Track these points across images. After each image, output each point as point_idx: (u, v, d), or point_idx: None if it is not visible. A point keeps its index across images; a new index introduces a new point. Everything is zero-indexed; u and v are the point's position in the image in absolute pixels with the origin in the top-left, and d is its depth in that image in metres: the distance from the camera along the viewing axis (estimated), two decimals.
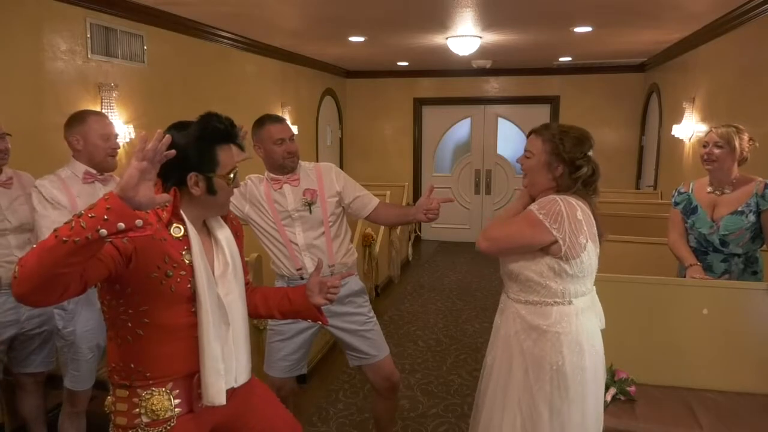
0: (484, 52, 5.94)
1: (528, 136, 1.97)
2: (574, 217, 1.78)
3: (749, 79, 4.07)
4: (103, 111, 3.67)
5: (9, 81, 3.12)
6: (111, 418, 1.56)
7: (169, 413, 1.53)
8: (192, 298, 1.53)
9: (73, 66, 3.54)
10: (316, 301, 1.79)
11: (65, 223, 1.25)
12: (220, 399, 1.56)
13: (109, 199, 1.25)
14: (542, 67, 7.51)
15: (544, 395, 1.84)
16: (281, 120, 2.55)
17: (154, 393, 1.52)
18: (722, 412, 2.31)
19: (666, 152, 6.15)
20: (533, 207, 1.83)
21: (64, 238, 1.21)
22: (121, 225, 1.24)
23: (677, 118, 5.50)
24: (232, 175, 1.56)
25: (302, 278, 2.47)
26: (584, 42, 5.55)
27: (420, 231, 8.48)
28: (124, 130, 3.87)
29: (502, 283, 2.02)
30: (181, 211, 1.55)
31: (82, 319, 2.37)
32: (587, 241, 1.81)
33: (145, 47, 4.12)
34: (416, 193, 8.35)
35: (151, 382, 1.52)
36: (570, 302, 1.85)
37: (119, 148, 2.48)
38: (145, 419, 1.51)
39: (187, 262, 1.51)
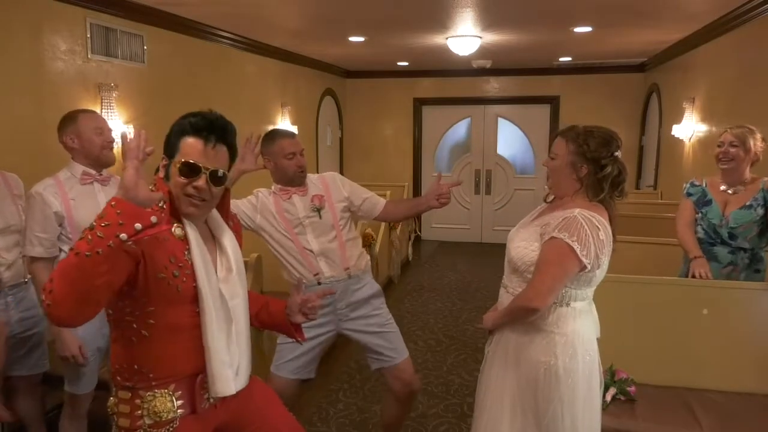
0: (484, 52, 5.94)
1: (554, 140, 1.96)
2: (597, 237, 1.77)
3: (749, 79, 4.07)
4: (103, 111, 3.67)
5: (9, 81, 3.12)
6: (114, 419, 1.56)
7: (172, 414, 1.53)
8: (196, 297, 1.53)
9: (73, 66, 3.53)
10: (296, 319, 1.79)
11: (80, 238, 1.27)
12: (229, 389, 1.56)
13: (116, 205, 1.27)
14: (542, 67, 7.50)
15: (534, 393, 1.85)
16: (292, 134, 2.62)
17: (157, 395, 1.52)
18: (722, 412, 2.31)
19: (666, 152, 6.16)
20: (564, 236, 1.76)
21: (86, 253, 1.25)
22: (138, 225, 1.28)
23: (677, 118, 5.50)
24: (179, 166, 1.49)
25: (320, 283, 2.49)
26: (584, 42, 5.55)
27: (420, 231, 8.48)
28: (124, 130, 3.86)
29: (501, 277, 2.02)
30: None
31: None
32: (606, 258, 1.82)
33: (145, 47, 4.12)
34: (417, 193, 8.34)
35: (154, 383, 1.52)
36: (567, 304, 1.85)
37: (114, 141, 2.47)
38: (147, 421, 1.51)
39: (190, 262, 1.52)
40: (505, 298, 1.97)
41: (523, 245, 1.89)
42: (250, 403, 1.72)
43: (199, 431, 1.59)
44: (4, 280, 2.46)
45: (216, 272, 1.60)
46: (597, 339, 1.95)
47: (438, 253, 7.82)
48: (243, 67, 5.55)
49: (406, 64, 7.43)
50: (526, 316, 1.84)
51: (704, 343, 2.53)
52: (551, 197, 2.02)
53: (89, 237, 1.26)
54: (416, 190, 8.34)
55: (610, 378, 2.40)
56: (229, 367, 1.57)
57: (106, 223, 1.26)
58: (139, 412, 1.51)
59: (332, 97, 7.93)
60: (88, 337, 2.37)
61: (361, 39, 5.47)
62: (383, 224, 5.52)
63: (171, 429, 1.53)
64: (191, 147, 1.50)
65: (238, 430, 1.71)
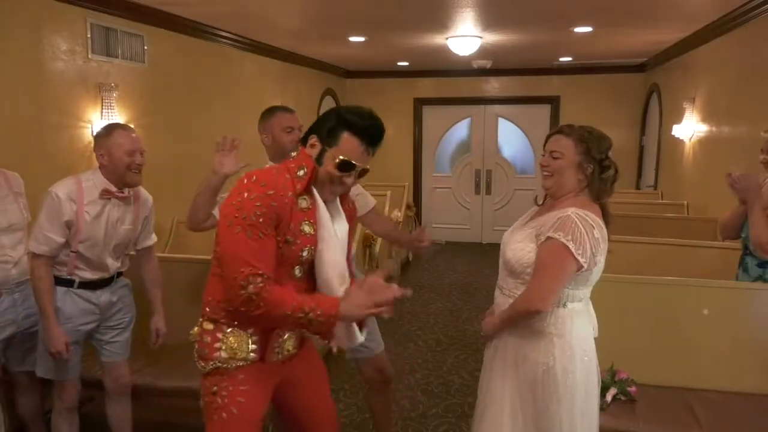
0: (484, 52, 5.93)
1: (550, 138, 1.93)
2: (592, 236, 1.77)
3: (750, 79, 4.07)
4: (104, 111, 3.67)
5: (9, 81, 3.11)
6: (195, 347, 1.73)
7: (245, 354, 1.67)
8: (297, 263, 1.65)
9: (74, 66, 3.53)
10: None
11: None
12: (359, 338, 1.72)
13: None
14: (542, 67, 7.50)
15: (533, 394, 1.85)
16: (292, 110, 2.59)
17: (235, 333, 1.66)
18: (723, 413, 2.31)
19: (666, 152, 6.15)
20: (560, 236, 1.75)
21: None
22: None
23: (678, 119, 5.49)
24: (339, 161, 1.61)
25: None
26: (584, 42, 5.55)
27: None
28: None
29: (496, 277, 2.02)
30: (312, 187, 1.65)
31: (64, 317, 2.36)
32: (602, 256, 1.81)
33: (146, 47, 4.12)
34: (417, 193, 8.35)
35: (236, 322, 1.66)
36: (564, 305, 1.85)
37: (143, 163, 2.40)
38: (223, 354, 1.66)
39: (304, 232, 1.61)
40: (501, 300, 1.97)
41: (519, 246, 1.88)
42: (308, 369, 1.86)
43: (264, 381, 1.72)
44: (11, 278, 2.47)
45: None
46: (595, 339, 1.94)
47: (438, 253, 7.82)
48: (243, 67, 5.55)
49: (406, 64, 7.43)
50: (528, 319, 1.84)
51: (705, 344, 2.53)
52: (541, 200, 2.01)
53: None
54: (416, 190, 8.33)
55: (611, 378, 2.40)
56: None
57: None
58: (218, 344, 1.66)
59: (332, 97, 7.93)
60: (70, 328, 2.37)
61: (361, 39, 5.47)
62: None
63: (242, 365, 1.66)
64: (354, 147, 1.62)
65: (289, 391, 1.83)
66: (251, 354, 1.67)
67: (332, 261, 1.66)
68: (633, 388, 2.38)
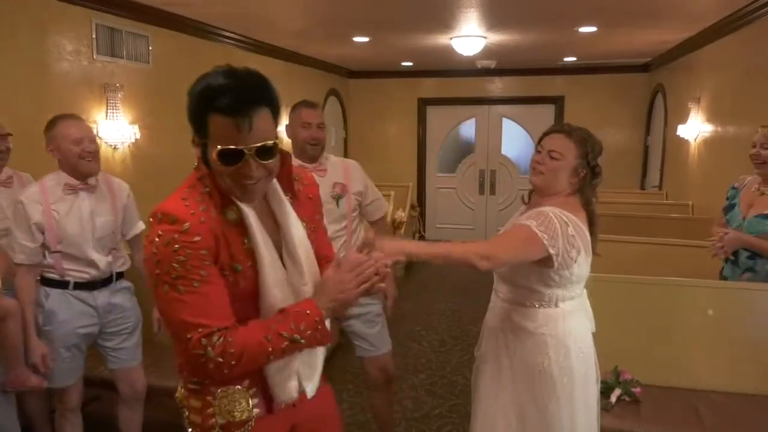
0: (488, 52, 5.93)
1: (549, 135, 1.88)
2: (566, 233, 1.75)
3: (755, 79, 4.06)
4: (108, 111, 3.69)
5: (14, 82, 3.13)
6: (184, 413, 1.41)
7: (246, 414, 1.35)
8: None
9: (79, 66, 3.55)
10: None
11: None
12: (292, 394, 1.38)
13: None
14: (547, 67, 7.49)
15: (531, 395, 1.85)
16: (314, 105, 2.60)
17: (229, 392, 1.34)
18: (727, 414, 2.31)
19: (671, 152, 6.13)
20: (531, 223, 1.74)
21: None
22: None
23: (682, 119, 5.47)
24: (216, 154, 1.20)
25: None
26: (589, 42, 5.54)
27: (424, 231, 8.47)
28: (129, 130, 3.88)
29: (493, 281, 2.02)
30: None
31: (59, 320, 2.34)
32: (578, 254, 1.78)
33: (150, 48, 4.13)
34: (420, 194, 8.34)
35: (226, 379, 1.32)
36: (556, 305, 1.84)
37: (96, 150, 2.34)
38: (220, 420, 1.33)
39: (251, 250, 1.29)
40: (497, 304, 1.98)
41: None
42: (321, 409, 1.56)
43: (277, 431, 1.43)
44: None
45: (282, 262, 1.34)
46: (593, 333, 1.93)
47: None
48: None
49: (410, 64, 7.43)
50: (463, 267, 1.73)
51: (709, 344, 2.52)
52: (527, 198, 2.00)
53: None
54: (420, 191, 8.33)
55: (615, 379, 2.39)
56: (289, 369, 1.37)
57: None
58: (211, 410, 1.34)
59: (336, 97, 7.94)
60: (66, 334, 2.36)
61: (365, 39, 5.47)
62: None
63: (247, 430, 1.35)
64: (224, 128, 1.18)
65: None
66: (255, 410, 1.35)
67: (273, 292, 1.31)
68: (637, 389, 2.38)
